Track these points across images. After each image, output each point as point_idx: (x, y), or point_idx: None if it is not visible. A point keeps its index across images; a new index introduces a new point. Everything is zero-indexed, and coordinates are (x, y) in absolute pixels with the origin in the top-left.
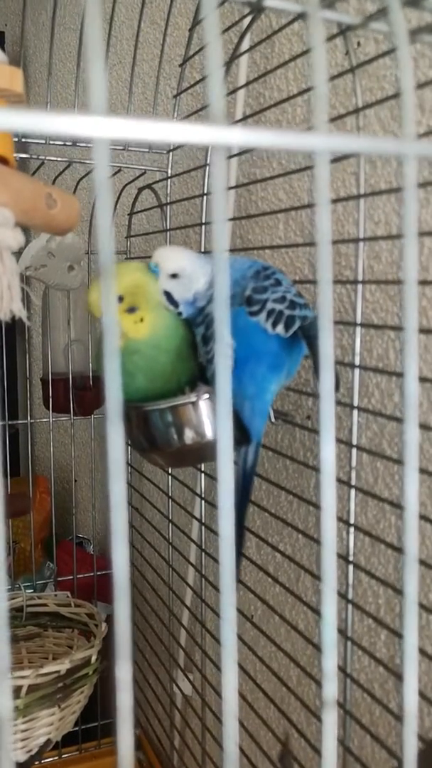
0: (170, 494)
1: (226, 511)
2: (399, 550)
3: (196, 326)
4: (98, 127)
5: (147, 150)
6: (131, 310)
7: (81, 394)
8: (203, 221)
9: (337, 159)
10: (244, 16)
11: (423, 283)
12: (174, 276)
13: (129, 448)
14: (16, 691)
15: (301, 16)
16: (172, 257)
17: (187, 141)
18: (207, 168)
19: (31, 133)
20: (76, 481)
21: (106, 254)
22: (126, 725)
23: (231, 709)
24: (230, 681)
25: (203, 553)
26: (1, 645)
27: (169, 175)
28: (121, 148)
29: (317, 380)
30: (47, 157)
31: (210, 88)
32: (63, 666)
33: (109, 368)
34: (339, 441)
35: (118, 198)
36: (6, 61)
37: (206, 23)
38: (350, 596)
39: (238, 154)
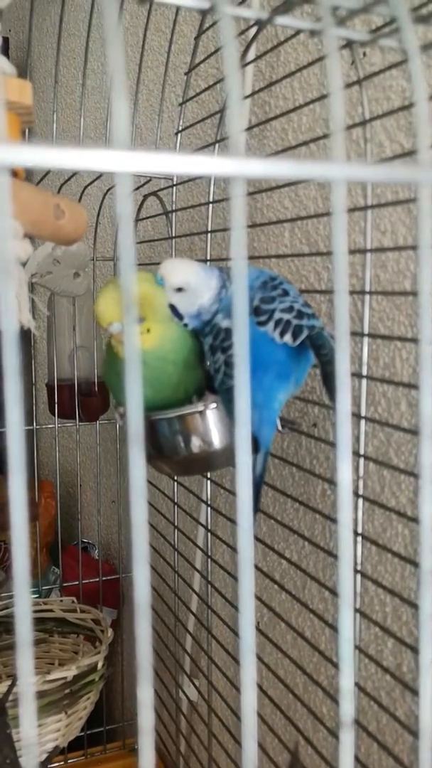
0: (176, 500)
1: (245, 514)
2: (406, 559)
3: (203, 336)
4: (121, 161)
5: None
6: (139, 320)
7: (86, 400)
8: (209, 229)
9: None
10: (250, 27)
11: None
12: (179, 290)
13: None
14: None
15: (313, 33)
16: (177, 271)
17: (208, 173)
18: (212, 177)
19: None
20: (81, 485)
21: (128, 285)
22: (148, 743)
23: (250, 729)
24: (249, 689)
25: (209, 560)
26: (24, 665)
27: (175, 182)
28: None
29: (325, 390)
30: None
31: (230, 121)
32: (70, 672)
33: (131, 396)
34: None
35: None
36: (15, 74)
37: (226, 54)
38: (357, 605)
39: None
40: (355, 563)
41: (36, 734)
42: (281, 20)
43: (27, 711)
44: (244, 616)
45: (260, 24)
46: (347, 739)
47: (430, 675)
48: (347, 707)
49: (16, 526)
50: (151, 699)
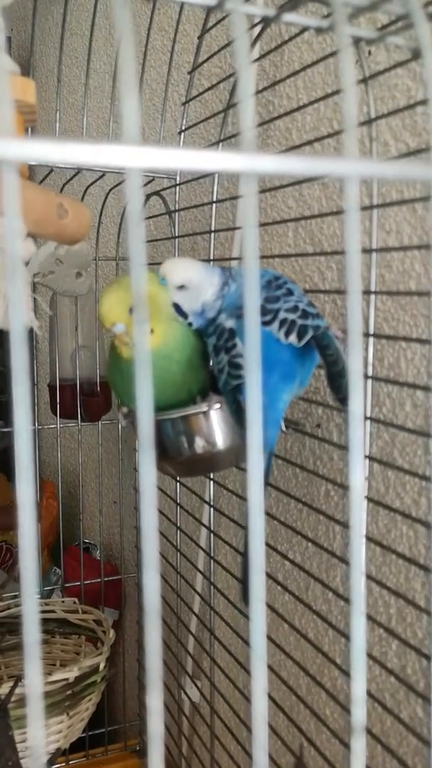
0: (178, 501)
1: (255, 513)
2: (411, 560)
3: (207, 336)
4: (131, 156)
5: None
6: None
7: (88, 401)
8: (212, 229)
9: None
10: (255, 24)
11: None
12: (181, 288)
13: (137, 453)
14: (25, 699)
15: (319, 31)
16: (178, 269)
17: (219, 169)
18: (216, 175)
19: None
20: (83, 486)
21: (139, 286)
22: (157, 750)
23: (260, 737)
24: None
25: (211, 561)
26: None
27: (178, 182)
28: None
29: (330, 390)
30: (56, 164)
31: (242, 117)
32: (71, 673)
33: (142, 404)
34: None
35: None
36: (18, 72)
37: (237, 47)
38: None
39: None
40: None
41: (43, 737)
42: (288, 17)
43: (34, 714)
44: (255, 622)
45: (267, 21)
46: (359, 746)
47: None
48: (359, 713)
49: (24, 529)
50: (161, 708)
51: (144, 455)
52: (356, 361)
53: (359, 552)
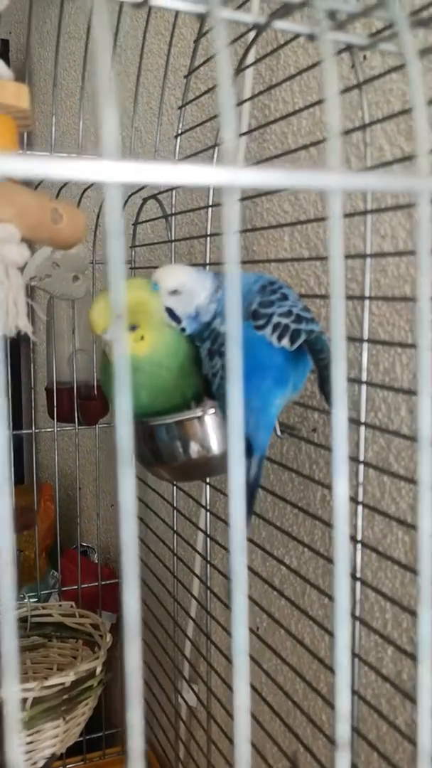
0: (175, 505)
1: (237, 518)
2: (406, 567)
3: (201, 341)
4: (109, 171)
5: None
6: (132, 328)
7: (85, 404)
8: (208, 233)
9: None
10: (250, 29)
11: None
12: (174, 292)
13: (135, 458)
14: (21, 704)
15: (311, 38)
16: (171, 274)
17: (200, 183)
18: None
19: (43, 177)
20: (80, 489)
21: (117, 299)
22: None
23: (243, 732)
24: (242, 691)
25: (208, 565)
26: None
27: (175, 186)
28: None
29: (322, 394)
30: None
31: (223, 130)
32: (68, 678)
33: (120, 416)
34: None
35: (123, 208)
36: (12, 78)
37: (219, 60)
38: (357, 612)
39: None
40: (355, 570)
41: (21, 753)
42: (279, 24)
43: (12, 729)
44: (236, 615)
45: (258, 28)
46: (343, 762)
47: (429, 690)
48: (344, 729)
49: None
50: (142, 725)
51: (123, 471)
52: (339, 369)
53: (345, 585)
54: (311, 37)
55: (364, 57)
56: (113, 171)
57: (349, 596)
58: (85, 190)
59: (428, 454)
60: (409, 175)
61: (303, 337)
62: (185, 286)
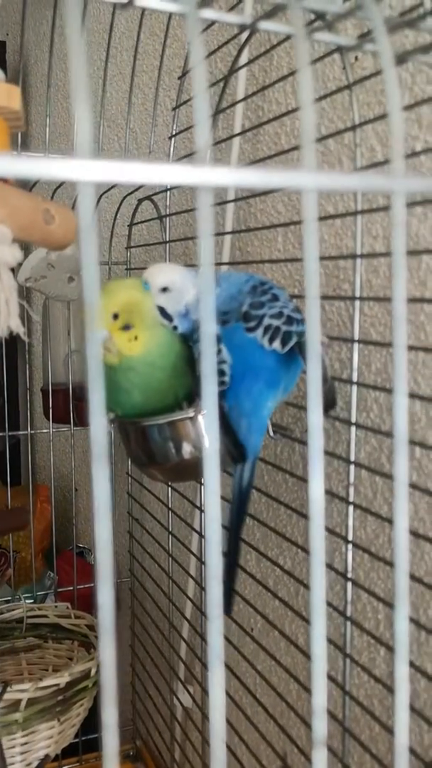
0: (170, 506)
1: (214, 544)
2: None
3: (193, 342)
4: (83, 170)
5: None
6: (126, 327)
7: (81, 405)
8: None
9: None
10: (242, 30)
11: (421, 300)
12: (164, 290)
13: (129, 459)
14: (16, 705)
15: (289, 38)
16: (160, 272)
17: (176, 182)
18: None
19: (17, 176)
20: (76, 490)
21: (91, 302)
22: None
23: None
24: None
25: (203, 566)
26: None
27: (169, 186)
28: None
29: None
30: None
31: (196, 130)
32: (62, 679)
33: (95, 413)
34: (337, 457)
35: (118, 209)
36: (3, 79)
37: (194, 73)
38: (349, 612)
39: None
40: (346, 570)
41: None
42: (266, 25)
43: None
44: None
45: (245, 29)
46: (320, 757)
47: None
48: (320, 726)
49: None
50: (116, 721)
51: (97, 467)
52: (314, 371)
53: (320, 576)
54: (291, 38)
55: (356, 58)
56: (85, 170)
57: (325, 589)
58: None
59: (404, 450)
60: (384, 175)
61: (294, 340)
62: (175, 283)
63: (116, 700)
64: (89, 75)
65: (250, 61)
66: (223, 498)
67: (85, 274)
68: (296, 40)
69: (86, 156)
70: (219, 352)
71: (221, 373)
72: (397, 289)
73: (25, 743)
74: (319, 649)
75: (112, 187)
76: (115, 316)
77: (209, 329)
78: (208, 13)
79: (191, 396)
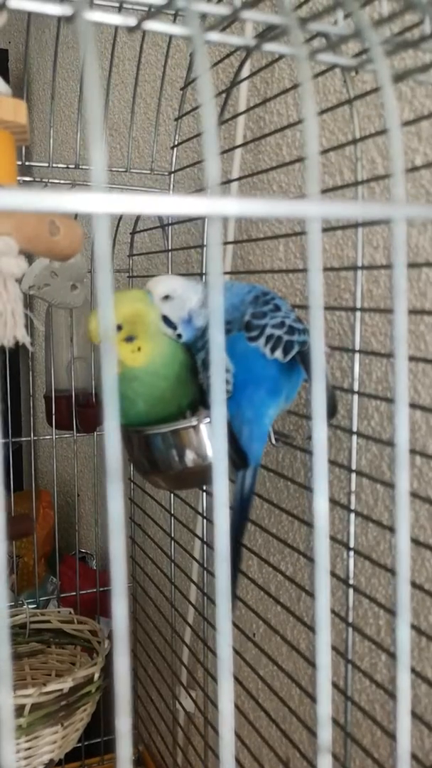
0: (172, 512)
1: (222, 535)
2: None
3: (196, 351)
4: (99, 203)
5: (149, 172)
6: (129, 339)
7: (83, 411)
8: (204, 242)
9: (333, 189)
10: (247, 51)
11: (421, 312)
12: (166, 298)
13: (131, 466)
14: (20, 710)
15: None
16: (161, 281)
17: (185, 213)
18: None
19: (34, 210)
20: (78, 495)
21: (106, 324)
22: None
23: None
24: (226, 702)
25: (205, 572)
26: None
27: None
28: (123, 170)
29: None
30: (50, 180)
31: (207, 161)
32: (66, 684)
33: (109, 430)
34: (339, 465)
35: (121, 217)
36: (9, 93)
37: (204, 109)
38: (350, 619)
39: (240, 179)
40: (348, 577)
41: (13, 758)
42: (269, 47)
43: (5, 735)
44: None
45: (248, 50)
46: (325, 764)
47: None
48: (325, 735)
49: None
50: (129, 730)
51: (112, 485)
52: (319, 392)
53: (326, 588)
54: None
55: (356, 71)
56: (102, 203)
57: (329, 599)
58: None
59: (405, 459)
60: (385, 203)
61: (296, 349)
62: (176, 291)
63: (130, 710)
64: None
65: (252, 74)
66: (232, 508)
67: (100, 301)
68: (300, 65)
69: (102, 189)
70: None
71: (225, 381)
72: (398, 313)
73: (29, 748)
74: (324, 658)
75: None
76: (119, 328)
77: (218, 362)
78: (213, 36)
79: (194, 404)
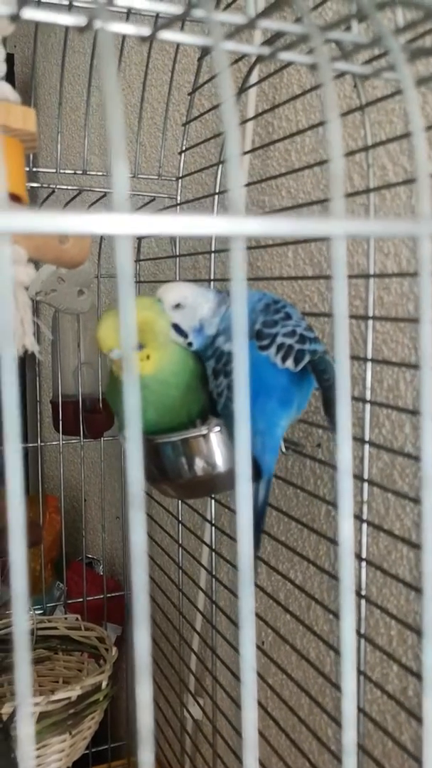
0: (180, 519)
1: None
2: (410, 585)
3: (206, 359)
4: (121, 225)
5: (156, 177)
6: (139, 347)
7: (90, 417)
8: (212, 248)
9: (350, 194)
10: (263, 60)
11: None
12: (177, 306)
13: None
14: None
15: (313, 68)
16: (172, 289)
17: (208, 233)
18: (216, 196)
19: (58, 231)
20: (85, 501)
21: (128, 345)
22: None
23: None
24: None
25: (213, 579)
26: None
27: (179, 201)
28: (131, 175)
29: (326, 416)
30: (58, 186)
31: (230, 182)
32: (74, 692)
33: (131, 455)
34: None
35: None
36: (19, 101)
37: (227, 132)
38: (362, 629)
39: (248, 185)
40: (359, 587)
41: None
42: (283, 56)
43: (26, 737)
44: (244, 633)
45: (262, 59)
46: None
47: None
48: (350, 736)
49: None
50: (152, 760)
51: (135, 514)
52: (344, 416)
53: (350, 605)
54: (314, 67)
55: (367, 77)
56: (124, 225)
57: (354, 617)
58: (90, 206)
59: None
60: (410, 219)
61: (307, 358)
62: (187, 299)
63: (152, 741)
64: (96, 87)
65: (261, 80)
66: (234, 512)
67: (122, 320)
68: (324, 84)
69: (124, 210)
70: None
71: None
72: (424, 323)
73: (38, 756)
74: (350, 684)
75: None
76: None
77: (242, 395)
78: (230, 45)
79: (204, 413)
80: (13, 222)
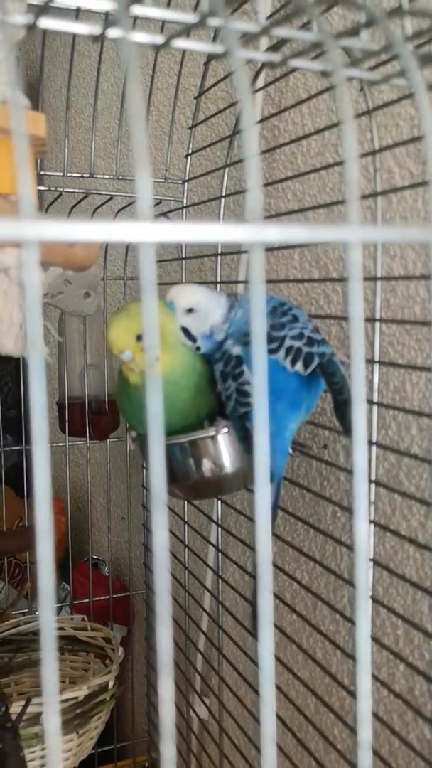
0: (186, 520)
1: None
2: (417, 585)
3: (215, 362)
4: (144, 233)
5: (163, 180)
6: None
7: (96, 419)
8: (219, 251)
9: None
10: (276, 68)
11: None
12: (190, 311)
13: (145, 472)
14: (36, 718)
15: (324, 74)
16: (186, 293)
17: (227, 241)
18: (222, 199)
19: (83, 240)
20: (91, 502)
21: (151, 352)
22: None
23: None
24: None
25: (219, 580)
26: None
27: (185, 204)
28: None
29: (337, 418)
30: (65, 189)
31: (248, 191)
32: (81, 692)
33: (155, 463)
34: None
35: None
36: (29, 106)
37: (246, 136)
38: (369, 629)
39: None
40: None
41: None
42: (294, 63)
43: (52, 732)
44: (263, 640)
45: (272, 66)
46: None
47: None
48: (366, 733)
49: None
50: (174, 755)
51: (157, 514)
52: (360, 423)
53: (366, 609)
54: (324, 74)
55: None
56: (147, 233)
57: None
58: (96, 209)
59: None
60: (423, 227)
61: (316, 361)
62: (200, 305)
63: (174, 733)
64: (103, 91)
65: (267, 84)
66: (241, 513)
67: (145, 330)
68: (337, 86)
69: (149, 219)
70: (242, 373)
71: (245, 394)
72: None
73: (45, 756)
74: (365, 689)
75: (131, 203)
76: (139, 338)
77: (260, 391)
78: (244, 53)
79: (212, 414)
80: (45, 231)
